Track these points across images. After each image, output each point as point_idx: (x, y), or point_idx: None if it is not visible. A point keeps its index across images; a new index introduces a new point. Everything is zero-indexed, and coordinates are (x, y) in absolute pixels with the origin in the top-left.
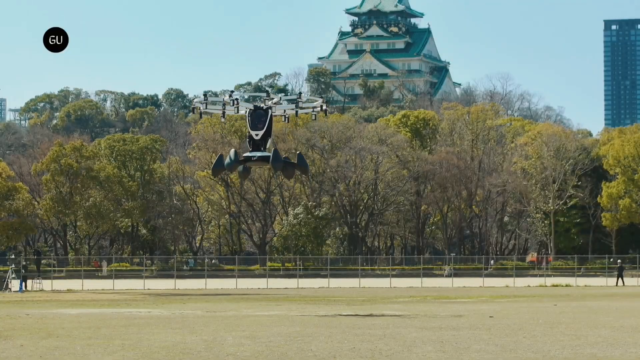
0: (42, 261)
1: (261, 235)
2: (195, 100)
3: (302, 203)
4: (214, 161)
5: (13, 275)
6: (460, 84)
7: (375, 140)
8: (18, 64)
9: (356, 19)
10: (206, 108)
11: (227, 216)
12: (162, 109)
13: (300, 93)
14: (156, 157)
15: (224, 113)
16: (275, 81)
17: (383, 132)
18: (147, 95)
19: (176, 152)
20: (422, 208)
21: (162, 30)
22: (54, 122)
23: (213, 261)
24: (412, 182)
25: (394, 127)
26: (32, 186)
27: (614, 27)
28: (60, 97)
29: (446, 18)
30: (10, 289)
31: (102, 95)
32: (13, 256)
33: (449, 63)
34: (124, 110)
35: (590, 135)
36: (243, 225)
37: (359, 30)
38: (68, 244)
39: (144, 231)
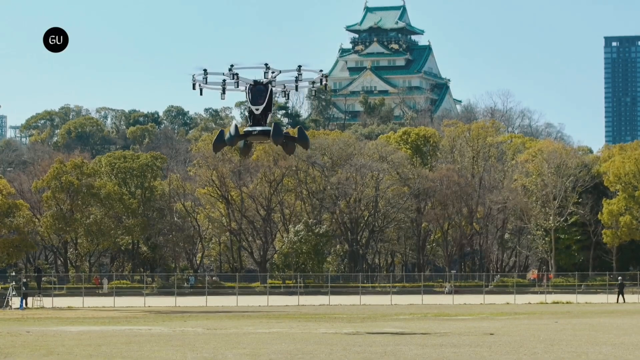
0: (43, 278)
1: (262, 253)
2: (195, 75)
3: (303, 220)
4: (214, 179)
5: (14, 293)
6: (460, 101)
7: (375, 158)
8: (18, 81)
9: (357, 36)
10: (206, 83)
11: (227, 233)
12: (162, 126)
13: (299, 67)
14: (157, 175)
15: (224, 89)
16: (276, 98)
17: (383, 149)
18: (148, 112)
19: (177, 170)
20: (423, 225)
21: (163, 48)
22: (55, 139)
23: (214, 278)
24: (412, 199)
25: (394, 144)
26: (33, 203)
27: (614, 43)
28: (60, 114)
29: (447, 35)
30: (10, 306)
31: (102, 113)
32: (13, 273)
33: (449, 80)
34: (124, 127)
35: (591, 152)
36: (244, 243)
37: (359, 48)
38: (69, 261)
39: (145, 248)
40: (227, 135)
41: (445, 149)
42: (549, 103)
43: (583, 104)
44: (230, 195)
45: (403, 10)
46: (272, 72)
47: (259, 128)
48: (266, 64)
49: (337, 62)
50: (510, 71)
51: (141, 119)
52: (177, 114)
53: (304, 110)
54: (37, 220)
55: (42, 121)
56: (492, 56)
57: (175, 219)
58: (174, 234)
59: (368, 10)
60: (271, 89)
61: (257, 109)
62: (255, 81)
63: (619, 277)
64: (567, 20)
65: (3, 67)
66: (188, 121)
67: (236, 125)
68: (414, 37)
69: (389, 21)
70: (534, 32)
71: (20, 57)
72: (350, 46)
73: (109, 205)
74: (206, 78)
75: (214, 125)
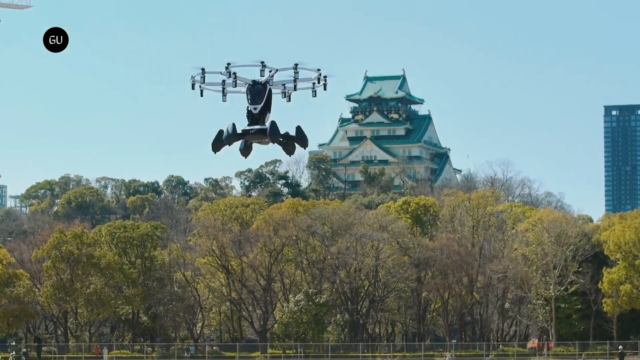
0: (43, 348)
1: (262, 322)
2: (193, 76)
3: (303, 290)
4: (214, 249)
5: None
6: (460, 170)
7: (375, 227)
8: (19, 150)
9: (357, 105)
10: (204, 82)
11: (227, 303)
12: (162, 196)
13: (296, 65)
14: (157, 244)
15: (224, 90)
16: (276, 168)
17: (384, 219)
18: (148, 182)
19: (177, 239)
20: (423, 295)
21: (162, 118)
22: (55, 208)
23: (214, 348)
24: (412, 269)
25: (394, 213)
26: (33, 273)
27: (614, 112)
28: (60, 184)
29: (447, 104)
30: None
31: (102, 182)
32: (14, 343)
33: (449, 149)
34: (124, 197)
35: (591, 221)
36: (244, 312)
37: (359, 117)
38: (69, 331)
39: (145, 318)
40: (224, 135)
41: (446, 218)
42: (549, 172)
43: (583, 173)
44: (231, 265)
45: (403, 79)
46: (269, 71)
47: (256, 127)
48: (262, 62)
49: (337, 131)
50: (510, 140)
51: (141, 188)
52: (177, 184)
53: (304, 179)
54: (37, 289)
55: (42, 191)
56: (492, 125)
57: (176, 288)
58: (174, 304)
59: (368, 79)
60: (270, 89)
61: (255, 108)
62: (254, 81)
63: (620, 346)
64: (567, 89)
65: (3, 137)
66: (188, 191)
67: (234, 124)
68: (413, 107)
69: (389, 91)
70: (534, 101)
71: (21, 126)
72: (350, 116)
73: (109, 275)
74: (204, 77)
75: (214, 195)
